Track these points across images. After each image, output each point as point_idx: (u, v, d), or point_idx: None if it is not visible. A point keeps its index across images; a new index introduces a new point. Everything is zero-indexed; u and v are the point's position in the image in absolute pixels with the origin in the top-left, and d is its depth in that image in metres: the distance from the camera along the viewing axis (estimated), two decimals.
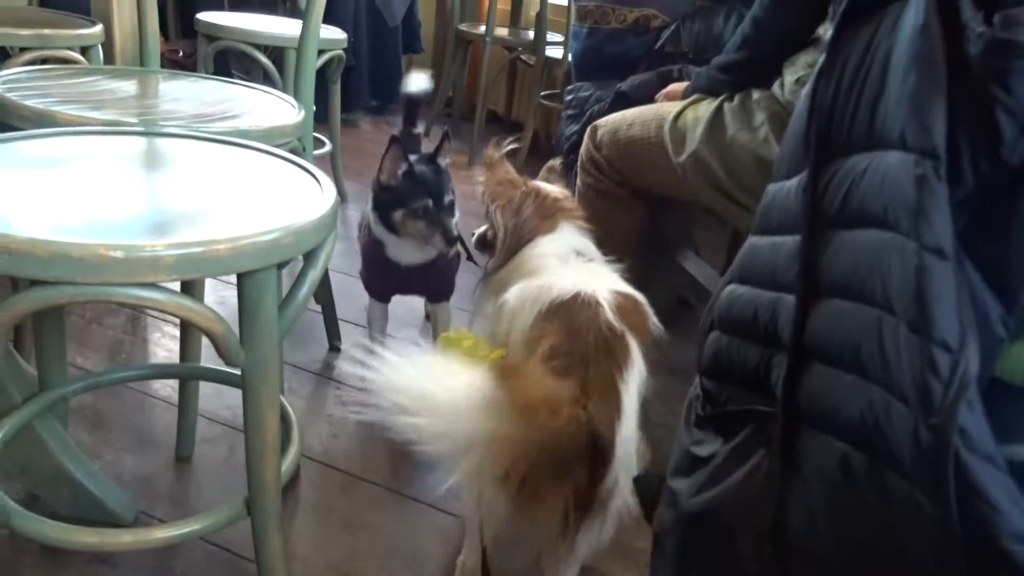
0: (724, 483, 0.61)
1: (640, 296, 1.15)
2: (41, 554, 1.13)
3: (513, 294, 1.14)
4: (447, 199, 1.44)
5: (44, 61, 1.72)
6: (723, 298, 0.70)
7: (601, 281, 1.12)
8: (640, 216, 1.70)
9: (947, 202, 0.43)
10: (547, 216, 1.25)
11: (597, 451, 0.90)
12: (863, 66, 0.50)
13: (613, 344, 1.00)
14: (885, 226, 0.47)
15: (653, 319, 1.13)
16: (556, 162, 1.41)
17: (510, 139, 1.49)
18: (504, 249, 1.26)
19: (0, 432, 1.03)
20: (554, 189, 1.32)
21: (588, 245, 1.25)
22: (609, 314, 1.04)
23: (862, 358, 0.48)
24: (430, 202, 1.42)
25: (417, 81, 1.78)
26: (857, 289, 0.49)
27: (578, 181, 1.73)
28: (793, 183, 0.60)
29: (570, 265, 1.18)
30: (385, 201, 1.46)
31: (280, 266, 0.88)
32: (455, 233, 1.42)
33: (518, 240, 1.24)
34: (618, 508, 0.96)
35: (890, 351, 0.45)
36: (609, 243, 1.68)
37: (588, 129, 1.68)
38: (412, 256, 1.53)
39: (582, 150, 1.70)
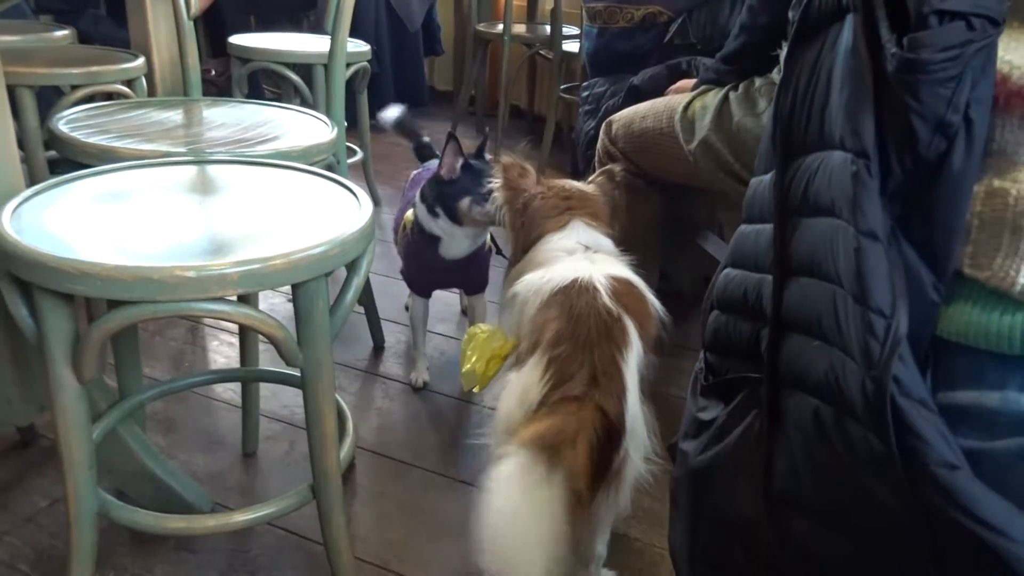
0: (724, 441, 0.71)
1: (637, 279, 1.22)
2: (131, 544, 1.27)
3: (521, 285, 1.23)
4: None
5: (92, 94, 1.85)
6: (719, 281, 0.79)
7: (598, 268, 1.20)
8: (658, 204, 1.78)
9: (878, 194, 0.52)
10: (554, 214, 1.32)
11: (608, 426, 1.00)
12: (812, 79, 0.59)
13: (612, 327, 1.09)
14: (833, 214, 0.55)
15: (652, 301, 1.21)
16: (617, 167, 1.48)
17: (524, 141, 1.60)
18: (515, 247, 1.35)
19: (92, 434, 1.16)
20: (571, 187, 1.37)
21: (597, 239, 1.31)
22: (606, 298, 1.12)
23: (823, 326, 0.57)
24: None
25: (391, 112, 1.96)
26: (817, 268, 0.58)
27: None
28: (767, 178, 0.69)
29: (575, 257, 1.25)
30: (449, 193, 1.59)
31: (326, 274, 0.99)
32: None
33: (526, 238, 1.32)
34: (630, 474, 1.06)
35: (842, 319, 0.54)
36: (631, 231, 1.77)
37: (604, 124, 1.77)
38: (460, 249, 1.65)
39: (599, 144, 1.78)
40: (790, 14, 0.62)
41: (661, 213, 1.81)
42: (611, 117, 1.77)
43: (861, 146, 0.52)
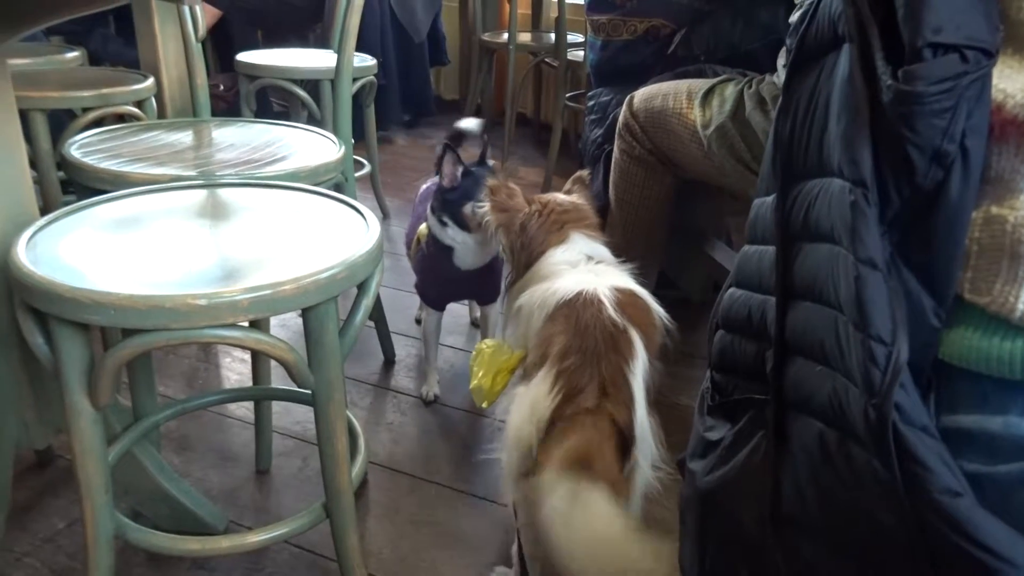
0: (731, 463, 0.71)
1: (641, 290, 1.23)
2: (148, 563, 1.28)
3: (525, 298, 1.24)
4: None
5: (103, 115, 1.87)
6: (724, 300, 0.80)
7: (602, 280, 1.20)
8: (669, 186, 1.78)
9: (876, 222, 0.52)
10: (555, 229, 1.32)
11: (619, 435, 1.01)
12: (811, 106, 0.60)
13: (618, 338, 1.10)
14: (833, 241, 0.56)
15: (658, 312, 1.21)
16: (584, 172, 1.49)
17: (509, 159, 1.62)
18: (515, 265, 1.35)
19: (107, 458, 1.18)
20: (564, 201, 1.38)
21: (599, 249, 1.32)
22: (611, 310, 1.13)
23: (826, 350, 0.58)
24: None
25: (468, 123, 1.93)
26: (818, 293, 0.59)
27: (614, 147, 1.83)
28: (770, 200, 0.69)
29: (579, 269, 1.26)
30: (453, 200, 1.62)
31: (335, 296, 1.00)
32: None
33: (528, 255, 1.32)
34: (640, 482, 1.06)
35: (843, 345, 0.55)
36: (639, 209, 1.78)
37: (627, 98, 1.79)
38: (474, 258, 1.67)
39: (620, 117, 1.80)
40: (788, 41, 0.63)
41: (671, 196, 1.80)
42: (634, 92, 1.78)
43: (859, 175, 0.53)
